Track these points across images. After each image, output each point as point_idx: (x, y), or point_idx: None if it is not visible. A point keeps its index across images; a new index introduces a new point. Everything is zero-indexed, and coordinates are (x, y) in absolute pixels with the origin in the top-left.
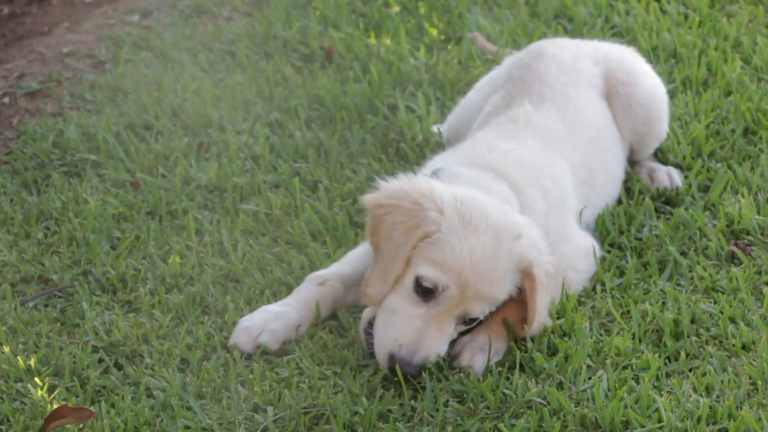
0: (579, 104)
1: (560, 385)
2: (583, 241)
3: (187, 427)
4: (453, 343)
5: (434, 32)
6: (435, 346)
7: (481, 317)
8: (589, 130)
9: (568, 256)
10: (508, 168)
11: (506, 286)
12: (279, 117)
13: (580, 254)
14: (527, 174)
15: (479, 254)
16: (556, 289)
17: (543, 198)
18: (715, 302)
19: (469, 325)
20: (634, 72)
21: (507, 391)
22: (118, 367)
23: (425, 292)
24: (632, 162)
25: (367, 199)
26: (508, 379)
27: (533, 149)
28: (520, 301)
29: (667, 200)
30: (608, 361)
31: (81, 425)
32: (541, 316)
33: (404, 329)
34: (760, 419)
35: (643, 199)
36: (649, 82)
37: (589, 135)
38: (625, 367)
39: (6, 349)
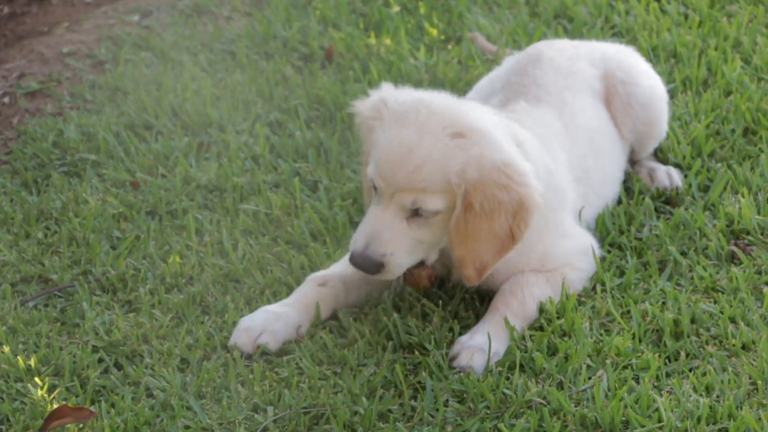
0: (575, 107)
1: (560, 385)
2: (582, 239)
3: (187, 427)
4: (452, 343)
5: (434, 32)
6: (390, 243)
7: (425, 206)
8: (585, 131)
9: (565, 253)
10: (511, 126)
11: (435, 177)
12: (279, 117)
13: (578, 251)
14: (530, 142)
15: (395, 144)
16: (555, 287)
17: (546, 172)
18: (715, 302)
19: (427, 217)
20: (634, 71)
21: (507, 391)
22: (118, 367)
23: (376, 190)
24: (632, 161)
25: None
26: (508, 379)
27: (535, 133)
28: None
29: (667, 200)
30: (608, 361)
31: (81, 425)
32: (463, 245)
33: (356, 232)
34: (760, 419)
35: (643, 199)
36: (649, 81)
37: (585, 136)
38: (625, 367)
39: (6, 349)
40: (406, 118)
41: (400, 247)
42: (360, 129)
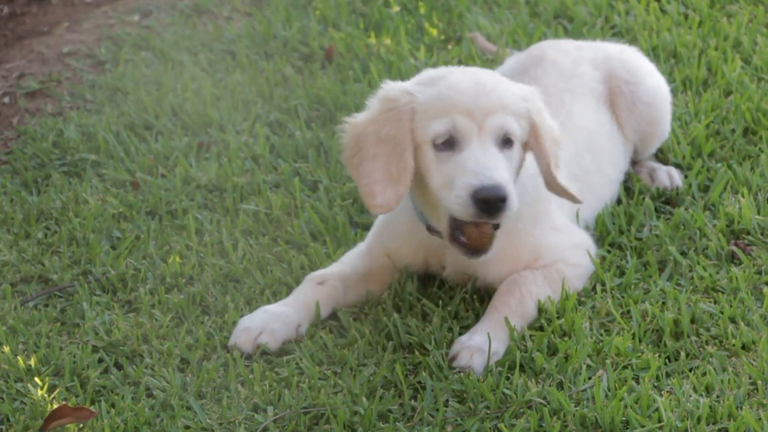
0: (573, 109)
1: (560, 385)
2: (575, 234)
3: (187, 427)
4: (452, 343)
5: (434, 32)
6: (504, 171)
7: (511, 129)
8: (582, 132)
9: (558, 247)
10: None
11: (515, 98)
12: (279, 117)
13: (571, 246)
14: None
15: (458, 85)
16: (554, 285)
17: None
18: (715, 302)
19: (510, 147)
20: (637, 71)
21: (507, 391)
22: (118, 367)
23: (450, 145)
24: (633, 162)
25: (347, 126)
26: (508, 379)
27: None
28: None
29: (667, 200)
30: (608, 361)
31: (81, 425)
32: (553, 162)
33: (463, 173)
34: (760, 419)
35: (643, 199)
36: (652, 80)
37: (582, 137)
38: (625, 367)
39: (6, 349)
40: (450, 73)
41: (510, 178)
42: (363, 136)
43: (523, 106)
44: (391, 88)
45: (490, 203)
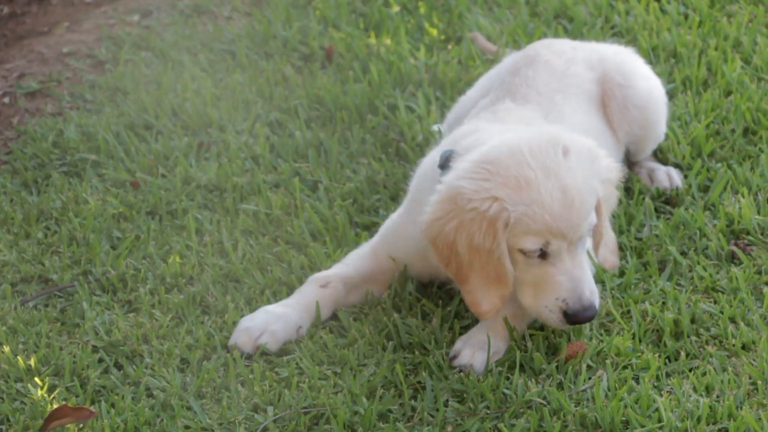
0: (564, 110)
1: (560, 385)
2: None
3: (187, 427)
4: (452, 343)
5: (434, 32)
6: (587, 280)
7: (592, 224)
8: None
9: None
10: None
11: (592, 196)
12: (279, 117)
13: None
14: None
15: (550, 204)
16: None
17: None
18: (715, 302)
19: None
20: (631, 74)
21: (507, 391)
22: (118, 367)
23: (540, 255)
24: (632, 162)
25: (427, 233)
26: (508, 379)
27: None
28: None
29: (667, 200)
30: (608, 361)
31: (81, 425)
32: (607, 239)
33: (555, 288)
34: (760, 419)
35: (643, 199)
36: (646, 83)
37: None
38: (625, 367)
39: (6, 349)
40: (527, 179)
41: (591, 276)
42: (451, 244)
43: (600, 190)
44: (467, 189)
45: (579, 321)
